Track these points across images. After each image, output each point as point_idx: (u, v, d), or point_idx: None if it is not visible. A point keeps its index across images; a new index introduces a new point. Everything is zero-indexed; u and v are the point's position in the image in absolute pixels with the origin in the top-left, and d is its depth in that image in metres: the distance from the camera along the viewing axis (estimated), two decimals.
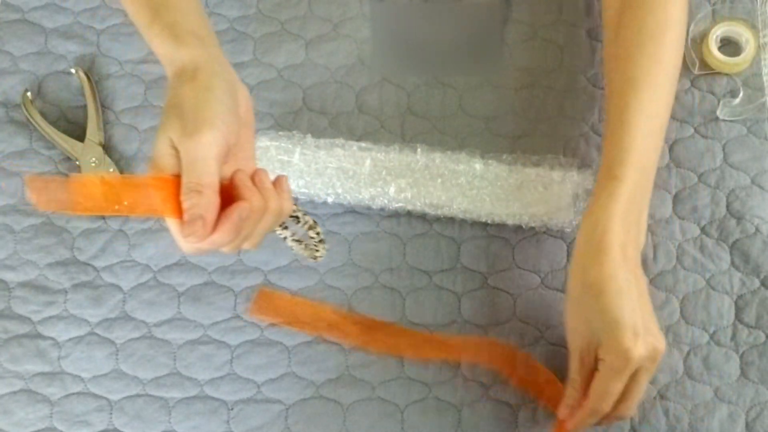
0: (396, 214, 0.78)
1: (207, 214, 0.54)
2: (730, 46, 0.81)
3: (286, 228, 0.65)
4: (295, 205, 0.64)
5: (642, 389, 0.64)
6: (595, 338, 0.63)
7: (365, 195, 0.76)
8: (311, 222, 0.66)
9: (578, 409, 0.65)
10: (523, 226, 0.76)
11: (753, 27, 0.81)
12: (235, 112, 0.59)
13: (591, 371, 0.64)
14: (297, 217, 0.65)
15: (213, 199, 0.55)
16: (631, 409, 0.65)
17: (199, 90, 0.57)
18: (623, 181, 0.65)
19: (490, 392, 0.73)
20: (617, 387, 0.62)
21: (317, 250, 0.66)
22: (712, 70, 0.81)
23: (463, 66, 0.82)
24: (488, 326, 0.74)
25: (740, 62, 0.80)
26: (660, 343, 0.63)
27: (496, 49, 0.83)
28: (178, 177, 0.55)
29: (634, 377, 0.63)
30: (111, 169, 0.78)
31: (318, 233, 0.66)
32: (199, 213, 0.54)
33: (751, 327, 0.73)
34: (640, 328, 0.61)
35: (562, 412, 0.66)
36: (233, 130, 0.57)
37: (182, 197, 0.55)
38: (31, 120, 0.80)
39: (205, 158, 0.55)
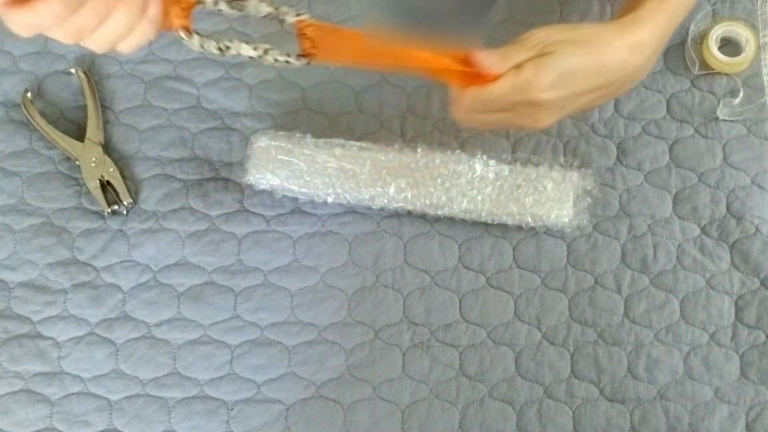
0: (396, 214, 0.78)
1: None
2: (730, 46, 0.81)
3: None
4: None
5: (491, 123, 0.64)
6: (541, 52, 0.61)
7: (365, 195, 0.76)
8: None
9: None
10: (523, 226, 0.76)
11: (753, 27, 0.81)
12: None
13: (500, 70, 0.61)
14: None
15: None
16: (466, 120, 0.64)
17: None
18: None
19: (491, 392, 0.73)
20: (498, 94, 0.61)
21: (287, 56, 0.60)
22: (712, 70, 0.81)
23: (453, 24, 0.82)
24: (488, 326, 0.74)
25: (740, 62, 0.80)
26: (543, 124, 0.62)
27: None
28: None
29: (503, 110, 0.62)
30: (111, 169, 0.78)
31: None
32: None
33: (751, 327, 0.73)
34: (560, 93, 0.60)
35: (481, 55, 0.62)
36: None
37: None
38: (31, 120, 0.80)
39: None
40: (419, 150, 0.78)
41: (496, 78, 0.61)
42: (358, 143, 0.78)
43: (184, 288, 0.76)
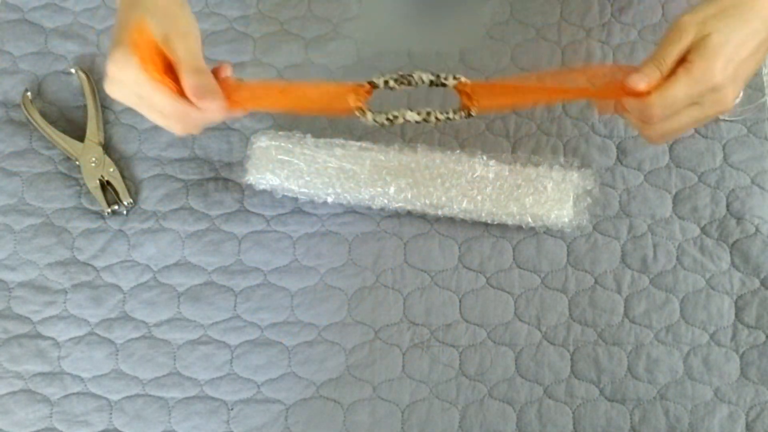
0: (396, 214, 0.78)
1: (219, 88, 0.64)
2: None
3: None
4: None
5: (686, 123, 0.62)
6: (698, 36, 0.60)
7: (365, 195, 0.76)
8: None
9: (641, 90, 0.62)
10: (523, 226, 0.76)
11: None
12: (197, 33, 0.66)
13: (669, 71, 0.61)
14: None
15: (215, 80, 0.64)
16: (661, 136, 0.63)
17: (171, 2, 0.65)
18: None
19: (491, 392, 0.73)
20: (680, 94, 0.60)
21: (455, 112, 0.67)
22: None
23: None
24: (488, 326, 0.74)
25: None
26: (731, 102, 0.61)
27: None
28: None
29: (690, 106, 0.61)
30: (111, 169, 0.78)
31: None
32: (216, 85, 0.63)
33: (751, 327, 0.73)
34: (732, 67, 0.60)
35: (633, 79, 0.61)
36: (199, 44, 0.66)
37: (193, 76, 0.62)
38: (31, 120, 0.80)
39: (197, 54, 0.64)
40: (419, 150, 0.77)
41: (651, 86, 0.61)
42: (358, 143, 0.78)
43: (184, 288, 0.76)
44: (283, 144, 0.77)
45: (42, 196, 0.78)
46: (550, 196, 0.76)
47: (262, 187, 0.77)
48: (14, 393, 0.73)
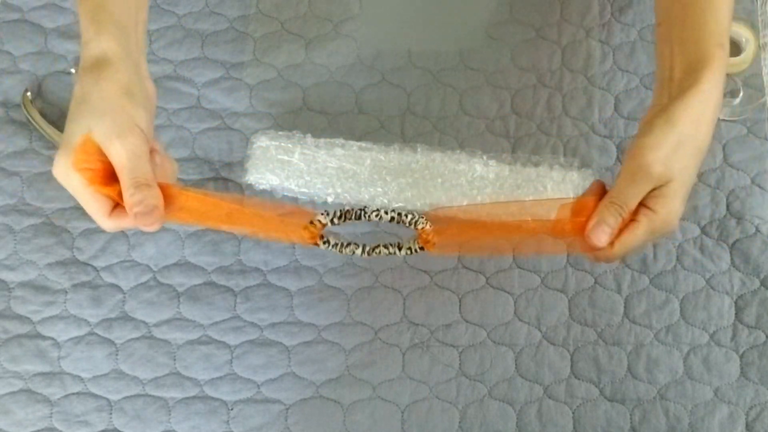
0: None
1: (159, 203, 0.61)
2: (730, 46, 0.81)
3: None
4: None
5: (639, 245, 0.62)
6: (661, 182, 0.60)
7: (365, 195, 0.76)
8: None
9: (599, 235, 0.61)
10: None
11: (753, 27, 0.81)
12: (150, 111, 0.64)
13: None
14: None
15: (158, 191, 0.62)
16: (617, 256, 0.63)
17: (119, 93, 0.62)
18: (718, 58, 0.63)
19: (491, 392, 0.73)
20: (640, 241, 0.61)
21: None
22: None
23: None
24: (488, 326, 0.74)
25: (740, 62, 0.80)
26: (677, 223, 0.63)
27: None
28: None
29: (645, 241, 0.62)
30: None
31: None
32: (154, 203, 0.61)
33: (751, 327, 0.73)
34: (685, 201, 0.61)
35: (596, 234, 0.61)
36: (151, 128, 0.64)
37: (132, 191, 0.60)
38: (31, 120, 0.80)
39: (140, 156, 0.61)
40: (419, 150, 0.78)
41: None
42: (358, 143, 0.78)
43: (184, 288, 0.76)
44: (283, 144, 0.77)
45: (42, 196, 0.78)
46: (550, 196, 0.76)
47: (262, 187, 0.77)
48: (14, 393, 0.73)
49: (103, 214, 0.62)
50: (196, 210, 0.64)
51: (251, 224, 0.66)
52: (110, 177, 0.61)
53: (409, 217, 0.64)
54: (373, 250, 0.65)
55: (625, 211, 0.60)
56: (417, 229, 0.64)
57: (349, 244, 0.65)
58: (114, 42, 0.62)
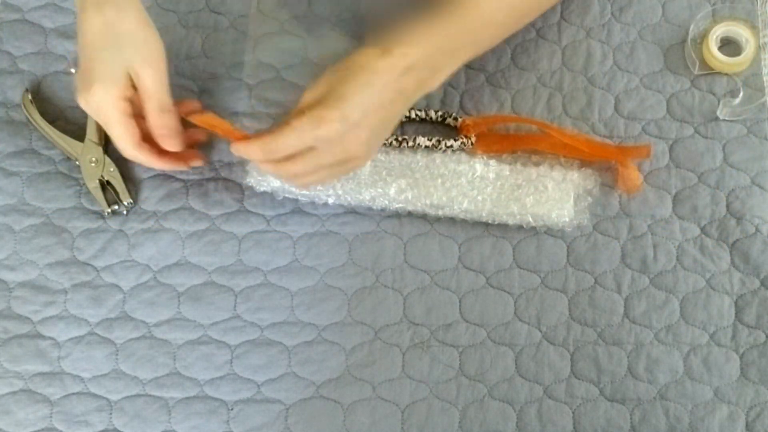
0: (396, 214, 0.78)
1: (180, 127, 0.69)
2: (730, 46, 0.81)
3: None
4: None
5: (309, 167, 0.66)
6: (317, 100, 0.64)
7: (366, 196, 0.76)
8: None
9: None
10: (524, 226, 0.76)
11: (753, 27, 0.81)
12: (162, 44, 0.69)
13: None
14: None
15: (178, 116, 0.70)
16: (297, 177, 0.68)
17: (145, 21, 0.67)
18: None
19: (491, 392, 0.73)
20: (289, 143, 0.64)
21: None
22: (712, 70, 0.81)
23: None
24: (488, 326, 0.74)
25: (740, 62, 0.80)
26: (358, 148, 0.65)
27: None
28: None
29: (308, 151, 0.65)
30: (111, 169, 0.78)
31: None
32: (178, 128, 0.69)
33: (751, 327, 0.73)
34: (347, 122, 0.63)
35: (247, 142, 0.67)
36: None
37: (159, 115, 0.66)
38: (31, 120, 0.80)
39: (165, 83, 0.67)
40: (419, 150, 0.78)
41: None
42: None
43: (184, 288, 0.76)
44: None
45: (42, 196, 0.78)
46: (551, 196, 0.76)
47: (262, 189, 0.76)
48: (14, 393, 0.73)
49: (135, 143, 0.67)
50: (210, 125, 0.71)
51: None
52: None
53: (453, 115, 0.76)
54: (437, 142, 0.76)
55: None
56: (458, 123, 0.74)
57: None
58: None
